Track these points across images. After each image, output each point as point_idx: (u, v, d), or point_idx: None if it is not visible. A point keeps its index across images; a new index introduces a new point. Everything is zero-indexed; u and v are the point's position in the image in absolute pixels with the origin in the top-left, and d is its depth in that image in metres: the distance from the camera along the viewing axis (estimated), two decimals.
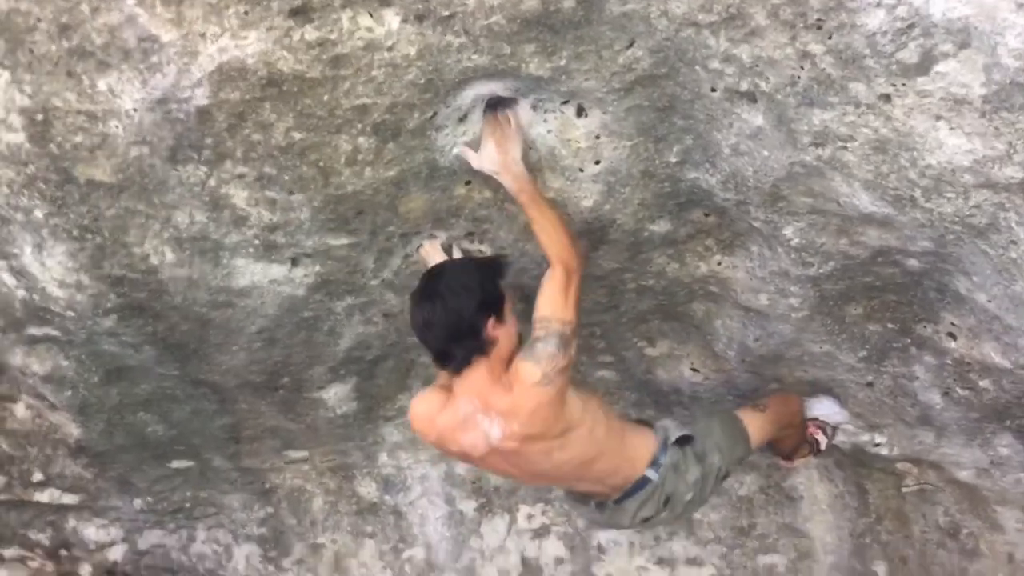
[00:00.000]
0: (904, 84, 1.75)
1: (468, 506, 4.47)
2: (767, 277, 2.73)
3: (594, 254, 2.79)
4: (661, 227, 2.67)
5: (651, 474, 2.68)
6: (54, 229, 2.60)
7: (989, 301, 2.27)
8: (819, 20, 1.75)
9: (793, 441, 3.37)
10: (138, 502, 4.65)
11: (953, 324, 2.64)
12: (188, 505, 4.72)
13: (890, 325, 2.81)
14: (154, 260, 2.71)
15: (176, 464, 4.38)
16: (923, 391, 2.98)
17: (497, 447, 2.45)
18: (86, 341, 3.17)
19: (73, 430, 4.03)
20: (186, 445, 4.21)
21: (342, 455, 4.42)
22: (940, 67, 1.68)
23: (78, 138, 2.31)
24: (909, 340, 2.81)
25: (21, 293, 2.91)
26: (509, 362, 2.39)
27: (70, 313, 2.95)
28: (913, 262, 2.37)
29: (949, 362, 2.76)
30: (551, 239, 2.40)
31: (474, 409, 2.42)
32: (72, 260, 2.71)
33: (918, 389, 3.00)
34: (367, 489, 4.54)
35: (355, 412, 3.97)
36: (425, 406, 2.57)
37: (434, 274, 2.47)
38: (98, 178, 2.42)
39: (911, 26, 1.63)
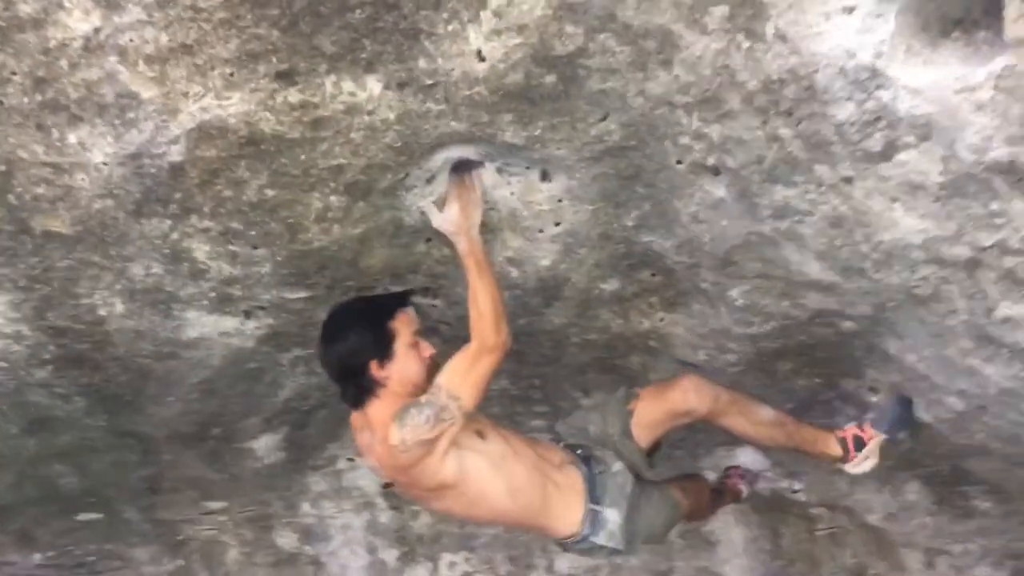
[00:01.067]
0: (866, 169, 1.92)
1: (390, 555, 4.49)
2: (707, 334, 2.88)
3: (546, 310, 2.89)
4: (611, 285, 2.80)
5: (585, 528, 2.68)
6: (0, 279, 2.53)
7: (918, 362, 2.48)
8: (791, 108, 1.91)
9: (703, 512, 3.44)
10: (37, 556, 4.47)
11: (875, 380, 2.86)
12: (92, 559, 4.58)
13: (817, 380, 3.01)
14: (102, 312, 2.67)
15: (84, 517, 4.26)
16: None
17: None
18: (13, 392, 3.07)
19: None
20: (98, 497, 4.10)
21: (262, 505, 4.36)
22: (901, 156, 1.86)
23: (40, 190, 2.27)
24: (834, 394, 3.02)
25: None
26: (426, 386, 2.43)
27: (3, 364, 2.86)
28: (849, 324, 2.57)
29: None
30: (480, 313, 2.42)
31: (370, 440, 2.51)
32: (14, 311, 2.65)
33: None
34: (286, 539, 4.51)
35: (283, 462, 3.96)
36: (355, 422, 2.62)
37: (329, 314, 2.57)
38: (56, 229, 2.38)
39: (878, 119, 1.80)
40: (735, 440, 3.52)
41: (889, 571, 3.88)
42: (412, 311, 2.55)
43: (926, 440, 2.92)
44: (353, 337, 2.44)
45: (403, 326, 2.48)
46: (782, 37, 1.79)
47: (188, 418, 3.35)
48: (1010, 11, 1.56)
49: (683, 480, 3.12)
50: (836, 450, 2.87)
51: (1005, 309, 1.98)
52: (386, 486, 4.14)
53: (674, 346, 3.05)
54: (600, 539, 2.66)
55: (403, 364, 2.44)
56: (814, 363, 2.92)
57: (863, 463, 2.85)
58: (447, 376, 2.39)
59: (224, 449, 3.73)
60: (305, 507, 4.37)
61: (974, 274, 1.99)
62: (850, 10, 1.69)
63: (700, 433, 3.46)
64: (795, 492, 3.68)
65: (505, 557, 4.39)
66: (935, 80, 1.69)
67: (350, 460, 4.05)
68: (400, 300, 2.56)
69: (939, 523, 3.55)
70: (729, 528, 4.16)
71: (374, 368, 2.42)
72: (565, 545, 2.77)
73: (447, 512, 2.79)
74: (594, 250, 2.65)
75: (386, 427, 2.37)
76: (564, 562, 4.27)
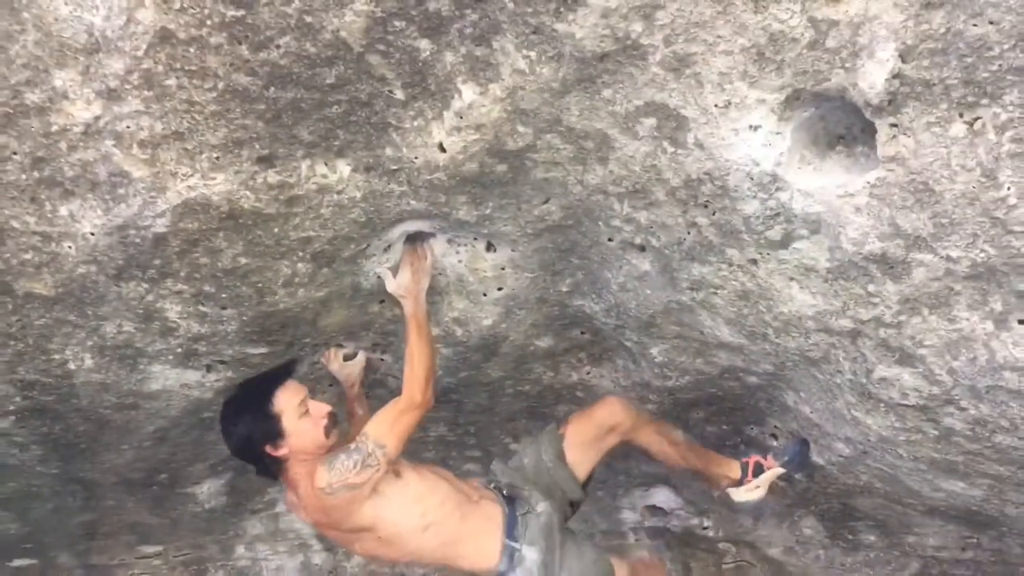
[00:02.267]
0: (769, 253, 2.29)
1: None
2: (629, 386, 3.21)
3: (484, 364, 3.17)
4: (545, 343, 3.10)
5: (502, 566, 2.72)
6: None
7: (811, 412, 2.85)
8: (707, 202, 2.27)
9: None
10: None
11: (776, 427, 3.22)
12: None
13: (724, 427, 3.36)
14: (72, 366, 2.81)
15: (18, 563, 4.27)
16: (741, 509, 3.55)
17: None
18: None
19: None
20: (35, 543, 4.13)
21: (198, 549, 4.45)
22: (797, 244, 2.23)
23: (27, 255, 2.43)
24: (739, 439, 3.37)
25: None
26: (328, 445, 2.62)
27: None
28: (753, 379, 2.93)
29: None
30: (413, 371, 2.66)
31: (293, 497, 2.72)
32: None
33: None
34: None
35: (223, 506, 4.08)
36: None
37: (221, 408, 2.78)
38: (37, 291, 2.54)
39: (778, 215, 2.17)
40: (652, 480, 3.85)
41: None
42: (294, 382, 2.71)
43: (819, 480, 3.29)
44: (241, 429, 2.64)
45: (286, 403, 2.61)
46: (700, 145, 2.15)
47: (138, 464, 3.48)
48: (881, 135, 1.94)
49: (638, 563, 3.36)
50: (736, 472, 3.10)
51: (881, 371, 2.35)
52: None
53: (599, 396, 3.36)
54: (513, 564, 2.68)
55: (297, 437, 2.59)
56: (722, 412, 3.27)
57: (753, 491, 3.09)
58: (374, 426, 2.61)
59: (167, 494, 3.85)
60: (240, 550, 4.47)
61: (856, 342, 2.36)
62: (755, 128, 2.06)
63: (620, 475, 3.78)
64: (704, 528, 4.02)
65: None
66: (823, 185, 2.06)
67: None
68: (279, 376, 2.71)
69: (831, 555, 3.92)
70: None
71: (270, 451, 2.60)
72: None
73: (368, 554, 2.90)
74: (531, 312, 2.95)
75: (307, 483, 2.58)
76: None
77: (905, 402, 2.36)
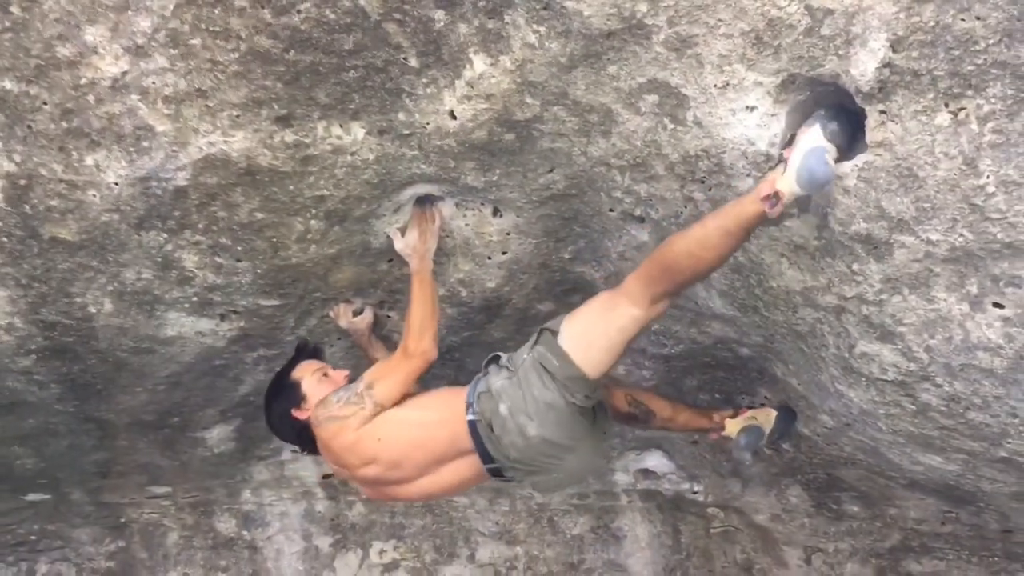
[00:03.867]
0: (760, 229, 2.38)
1: (324, 542, 4.72)
2: (626, 352, 3.32)
3: (488, 325, 3.29)
4: (546, 307, 3.21)
5: (470, 416, 2.59)
6: (2, 277, 2.78)
7: (799, 384, 2.96)
8: (703, 178, 2.36)
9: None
10: None
11: (766, 397, 3.33)
12: (34, 538, 4.69)
13: (716, 395, 3.47)
14: (92, 309, 2.94)
15: (32, 497, 4.39)
16: (736, 449, 3.66)
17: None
18: None
19: None
20: (49, 479, 4.26)
21: (205, 492, 4.59)
22: (787, 222, 2.33)
23: (54, 202, 2.55)
24: (731, 407, 3.48)
25: None
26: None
27: None
28: (745, 350, 3.04)
29: None
30: (408, 325, 2.75)
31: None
32: (11, 305, 2.89)
33: (732, 447, 3.68)
34: (225, 525, 4.69)
35: (231, 451, 4.20)
36: None
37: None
38: (62, 236, 2.66)
39: None
40: (646, 445, 3.97)
41: (772, 566, 4.36)
42: (313, 360, 2.92)
43: (805, 450, 3.41)
44: (273, 406, 2.87)
45: (304, 371, 2.83)
46: (699, 123, 2.24)
47: (151, 407, 3.61)
48: (870, 121, 2.03)
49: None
50: (728, 412, 3.19)
51: (863, 346, 2.46)
52: (325, 476, 4.48)
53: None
54: (481, 408, 2.55)
55: (317, 394, 2.76)
56: (715, 381, 3.38)
57: (749, 420, 3.17)
58: (370, 371, 2.77)
59: (178, 437, 3.99)
60: (246, 495, 4.61)
61: (840, 317, 2.47)
62: (751, 109, 2.15)
63: (615, 438, 3.90)
64: (694, 493, 4.15)
65: (431, 546, 4.71)
66: None
67: (294, 451, 4.34)
68: (299, 354, 2.95)
69: (816, 524, 4.04)
70: (635, 525, 4.58)
71: (296, 414, 2.77)
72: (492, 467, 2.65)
73: (384, 496, 2.92)
74: (534, 276, 3.06)
75: None
76: (485, 551, 4.63)
77: (884, 377, 2.47)
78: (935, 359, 2.30)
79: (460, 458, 2.66)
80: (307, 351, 2.97)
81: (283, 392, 2.83)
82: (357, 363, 3.25)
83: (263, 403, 2.95)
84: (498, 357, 2.67)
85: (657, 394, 3.27)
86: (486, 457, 2.60)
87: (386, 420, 2.66)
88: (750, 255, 2.50)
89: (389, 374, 2.72)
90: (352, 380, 2.77)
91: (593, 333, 2.47)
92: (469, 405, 2.60)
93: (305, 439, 2.83)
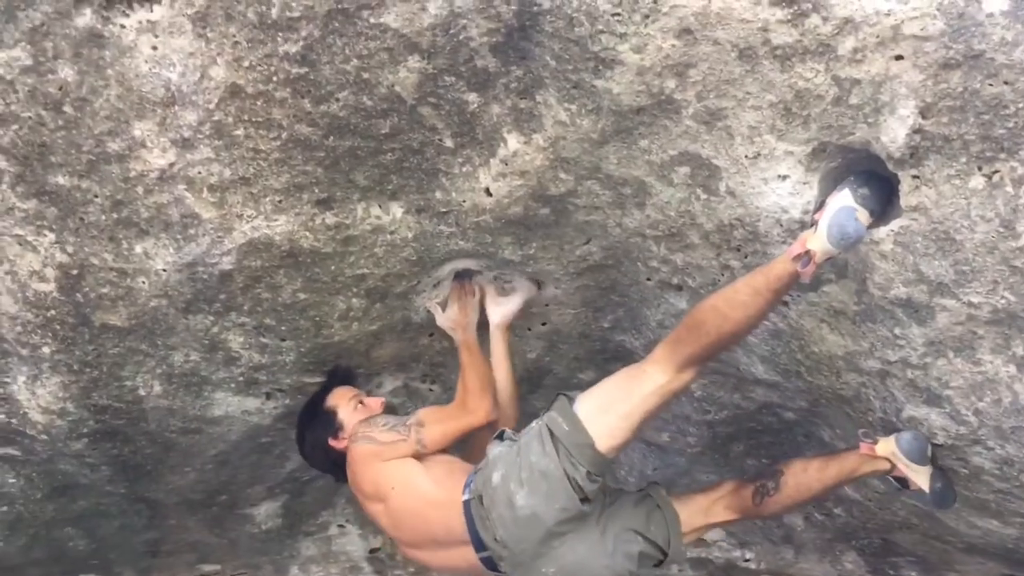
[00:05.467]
0: (798, 296, 2.38)
1: None
2: (670, 419, 3.31)
3: (530, 396, 3.29)
4: (588, 376, 3.21)
5: (466, 495, 2.43)
6: (56, 363, 2.85)
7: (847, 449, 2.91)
8: (739, 246, 2.38)
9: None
10: None
11: None
12: None
13: (764, 460, 3.42)
14: (142, 392, 2.99)
15: None
16: (788, 516, 3.61)
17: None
18: (45, 461, 3.36)
19: None
20: (101, 559, 4.29)
21: (254, 569, 4.60)
22: (825, 288, 2.33)
23: (105, 290, 2.63)
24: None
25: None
26: None
27: (44, 436, 3.15)
28: (790, 414, 3.01)
29: None
30: (465, 383, 2.73)
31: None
32: (64, 391, 2.96)
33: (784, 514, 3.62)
34: None
35: (278, 527, 4.21)
36: None
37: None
38: (112, 322, 2.73)
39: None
40: None
41: None
42: (345, 386, 2.85)
43: (858, 515, 3.34)
44: (307, 435, 2.83)
45: (339, 398, 2.79)
46: (732, 193, 2.26)
47: (200, 486, 3.65)
48: (904, 186, 2.03)
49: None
50: (876, 455, 2.53)
51: (910, 410, 2.42)
52: (372, 551, 4.46)
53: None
54: (476, 484, 2.41)
55: (355, 419, 2.72)
56: (762, 446, 3.34)
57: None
58: (425, 409, 2.75)
59: (226, 515, 4.01)
60: (294, 571, 4.60)
61: (885, 382, 2.44)
62: (784, 177, 2.17)
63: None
64: (746, 561, 4.06)
65: None
66: None
67: (340, 527, 4.34)
68: (330, 381, 2.90)
69: None
70: None
71: (332, 443, 2.74)
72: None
73: (384, 528, 2.77)
74: (574, 346, 3.07)
75: None
76: None
77: (934, 441, 2.42)
78: (985, 422, 2.27)
79: (455, 547, 2.47)
80: (339, 376, 2.92)
81: (318, 421, 2.79)
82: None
83: (296, 429, 2.89)
84: (503, 432, 2.55)
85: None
86: (478, 544, 2.39)
87: (405, 472, 2.56)
88: (790, 321, 2.49)
89: (444, 420, 2.67)
90: (388, 410, 2.75)
91: (613, 399, 2.30)
92: (468, 484, 2.44)
93: (340, 469, 2.77)
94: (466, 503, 2.40)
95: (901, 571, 3.73)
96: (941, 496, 2.57)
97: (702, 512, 2.59)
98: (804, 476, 2.55)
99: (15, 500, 3.63)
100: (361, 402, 2.79)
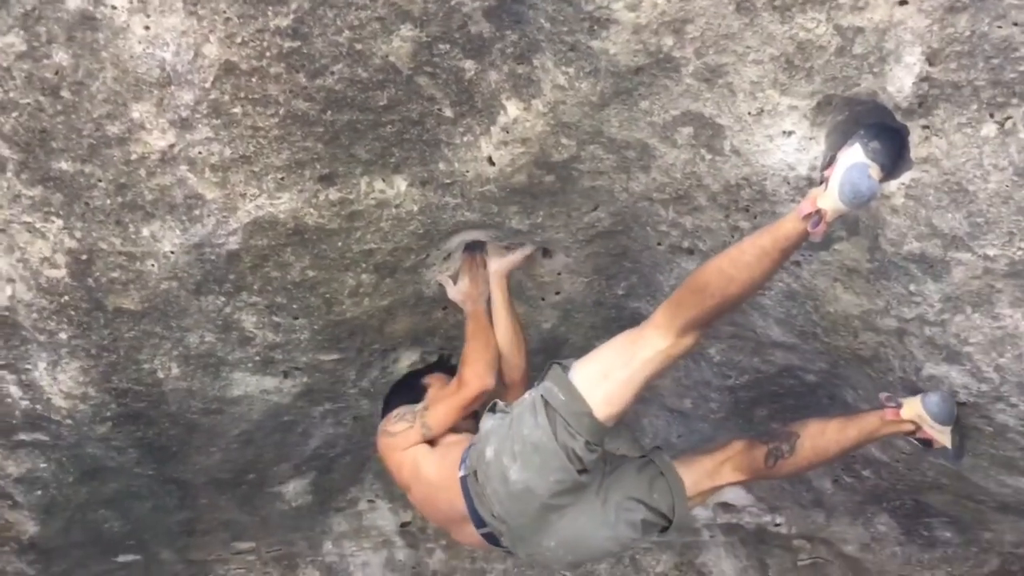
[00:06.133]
0: (810, 255, 2.32)
1: None
2: (692, 385, 3.26)
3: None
4: None
5: (462, 471, 2.43)
6: (74, 348, 2.89)
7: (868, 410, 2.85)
8: (747, 206, 2.31)
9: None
10: None
11: None
12: None
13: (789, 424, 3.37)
14: (160, 374, 3.02)
15: (122, 558, 4.50)
16: (816, 478, 3.55)
17: None
18: (73, 445, 3.41)
19: (30, 527, 4.12)
20: (137, 540, 4.37)
21: (288, 545, 4.66)
22: (836, 246, 2.26)
23: (115, 274, 2.64)
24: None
25: (24, 404, 3.14)
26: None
27: (68, 421, 3.20)
28: (811, 377, 2.94)
29: None
30: (465, 353, 2.75)
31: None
32: (84, 375, 2.99)
33: (812, 477, 3.57)
34: None
35: (309, 504, 4.26)
36: None
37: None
38: (125, 306, 2.74)
39: None
40: None
41: None
42: (444, 375, 2.96)
43: (887, 476, 3.28)
44: (392, 398, 2.97)
45: (436, 379, 2.94)
46: (736, 152, 2.20)
47: (226, 466, 3.69)
48: (913, 137, 1.96)
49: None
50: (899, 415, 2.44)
51: (930, 368, 2.35)
52: (403, 524, 4.49)
53: (663, 395, 3.43)
54: (471, 460, 2.41)
55: (436, 395, 2.83)
56: (786, 409, 3.28)
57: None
58: (433, 390, 2.86)
59: (256, 493, 4.06)
60: (328, 546, 4.65)
61: (903, 340, 2.37)
62: (788, 133, 2.10)
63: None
64: (777, 526, 4.02)
65: None
66: None
67: (370, 502, 4.37)
68: (438, 364, 3.09)
69: (908, 552, 3.87)
70: (720, 560, 4.46)
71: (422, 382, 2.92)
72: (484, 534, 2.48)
73: (423, 515, 2.99)
74: (589, 315, 3.03)
75: None
76: None
77: (956, 400, 2.36)
78: (1007, 378, 2.20)
79: (464, 524, 2.45)
80: (446, 366, 3.02)
81: (407, 389, 2.91)
82: None
83: (386, 394, 3.04)
84: (496, 404, 2.50)
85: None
86: (478, 521, 2.38)
87: (417, 461, 2.63)
88: (803, 281, 2.43)
89: (443, 399, 2.73)
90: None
91: (611, 365, 2.22)
92: (463, 460, 2.42)
93: (416, 389, 2.92)
94: (463, 479, 2.39)
95: (935, 532, 3.66)
96: (961, 450, 2.50)
97: (708, 475, 2.55)
98: (821, 439, 2.48)
99: (48, 484, 3.70)
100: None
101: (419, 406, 2.75)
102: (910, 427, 2.43)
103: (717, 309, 2.15)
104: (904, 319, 2.29)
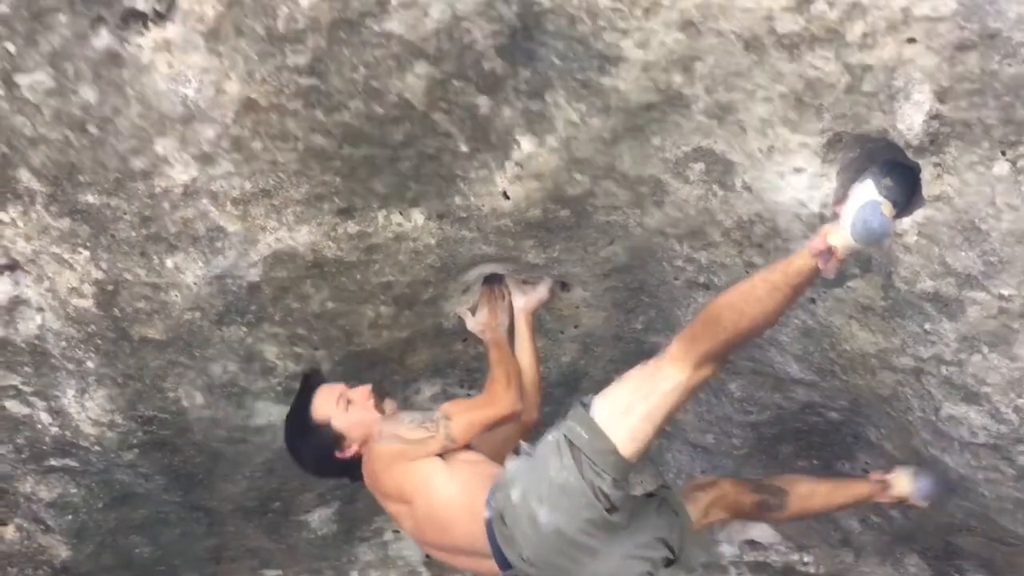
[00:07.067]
0: (825, 292, 2.30)
1: None
2: (713, 421, 3.23)
3: (567, 399, 3.25)
4: None
5: (487, 513, 2.36)
6: (101, 376, 2.95)
7: (894, 449, 2.80)
8: (760, 242, 2.30)
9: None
10: None
11: (866, 463, 3.16)
12: None
13: (815, 461, 3.32)
14: (184, 403, 3.07)
15: None
16: (844, 518, 3.49)
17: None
18: (102, 471, 3.47)
19: (62, 552, 4.18)
20: (167, 565, 4.42)
21: (315, 574, 4.67)
22: (851, 283, 2.24)
23: (140, 304, 2.70)
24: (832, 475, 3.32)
25: (54, 430, 3.20)
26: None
27: (97, 448, 3.26)
28: (834, 414, 2.90)
29: None
30: (494, 376, 2.65)
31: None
32: (110, 403, 3.06)
33: (839, 516, 3.50)
34: None
35: (334, 533, 4.27)
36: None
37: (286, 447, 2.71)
38: (150, 336, 2.80)
39: None
40: None
41: None
42: (323, 387, 2.61)
43: (915, 518, 3.21)
44: (306, 454, 2.61)
45: (324, 406, 2.54)
46: (748, 188, 2.19)
47: (251, 494, 3.72)
48: (926, 175, 1.94)
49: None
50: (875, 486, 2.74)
51: (948, 409, 2.31)
52: (428, 556, 4.48)
53: (686, 430, 3.40)
54: (496, 503, 2.34)
55: (354, 429, 2.52)
56: (811, 447, 3.24)
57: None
58: (449, 403, 2.63)
59: (282, 521, 4.09)
60: (354, 575, 4.68)
61: (920, 379, 2.33)
62: (799, 171, 2.09)
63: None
64: (805, 564, 3.95)
65: None
66: None
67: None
68: (305, 390, 2.63)
69: None
70: None
71: (340, 456, 2.54)
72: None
73: (404, 528, 2.68)
74: (608, 348, 3.03)
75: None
76: None
77: (976, 440, 2.31)
78: None
79: (480, 558, 2.41)
80: (310, 383, 2.66)
81: (313, 437, 2.55)
82: None
83: (290, 449, 2.67)
84: (519, 446, 2.45)
85: (788, 473, 2.93)
86: (503, 563, 2.33)
87: (431, 475, 2.44)
88: (818, 318, 2.41)
89: (471, 410, 2.56)
90: (379, 393, 2.61)
91: (632, 400, 2.21)
92: (488, 502, 2.35)
93: (352, 470, 2.60)
94: (488, 522, 2.34)
95: (967, 575, 3.57)
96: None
97: (702, 511, 2.58)
98: (809, 501, 2.69)
99: (79, 509, 3.77)
100: (349, 400, 2.55)
101: (435, 414, 2.53)
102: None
103: (730, 342, 2.16)
104: (921, 358, 2.25)
